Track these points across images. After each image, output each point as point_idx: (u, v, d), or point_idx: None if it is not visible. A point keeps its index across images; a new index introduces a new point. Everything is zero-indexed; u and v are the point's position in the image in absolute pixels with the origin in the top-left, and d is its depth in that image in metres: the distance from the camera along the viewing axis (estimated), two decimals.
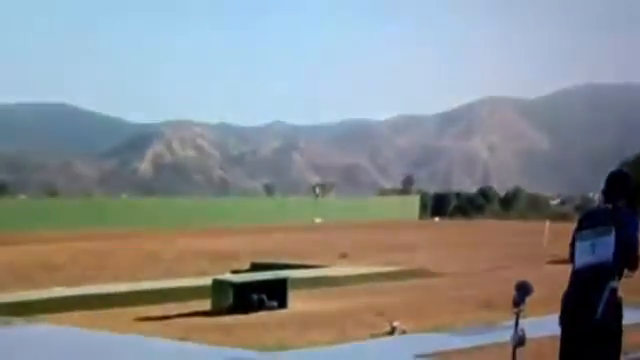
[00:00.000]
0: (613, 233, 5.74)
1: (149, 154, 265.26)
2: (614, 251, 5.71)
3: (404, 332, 11.28)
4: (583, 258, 5.85)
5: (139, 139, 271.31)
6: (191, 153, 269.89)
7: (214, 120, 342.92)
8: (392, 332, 11.27)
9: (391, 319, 11.79)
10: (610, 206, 5.92)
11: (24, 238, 33.04)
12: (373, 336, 11.11)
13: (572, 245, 6.01)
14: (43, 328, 12.55)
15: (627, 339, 6.00)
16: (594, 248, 5.78)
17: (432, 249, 29.54)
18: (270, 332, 11.52)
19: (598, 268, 5.73)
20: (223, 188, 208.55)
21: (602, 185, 6.13)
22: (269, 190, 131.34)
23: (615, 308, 5.72)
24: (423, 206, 70.76)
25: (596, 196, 73.06)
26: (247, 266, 22.36)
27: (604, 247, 5.73)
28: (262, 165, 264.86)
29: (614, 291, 5.72)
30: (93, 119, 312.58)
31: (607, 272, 5.71)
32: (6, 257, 24.75)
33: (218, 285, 14.32)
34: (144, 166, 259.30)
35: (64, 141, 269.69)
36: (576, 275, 5.90)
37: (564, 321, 5.89)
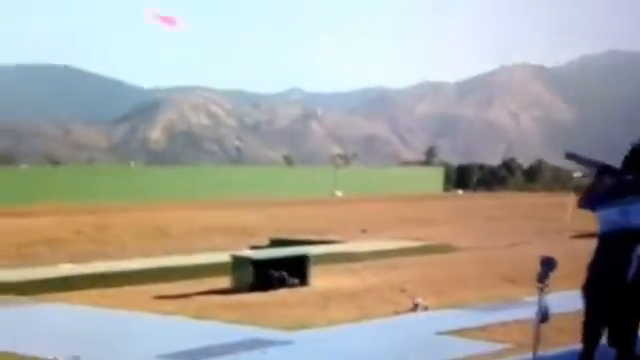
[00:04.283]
0: None
1: (160, 122, 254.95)
2: None
3: (426, 309, 11.16)
4: (610, 223, 5.74)
5: (149, 105, 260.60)
6: (205, 121, 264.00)
7: (228, 86, 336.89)
8: (414, 309, 11.15)
9: (413, 295, 11.67)
10: (631, 177, 5.80)
11: (26, 211, 32.18)
12: (395, 313, 10.99)
13: (590, 191, 5.90)
14: (55, 308, 12.17)
15: None
16: (623, 212, 5.68)
17: (456, 223, 29.29)
18: (291, 310, 11.41)
19: (627, 231, 5.63)
20: (238, 158, 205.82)
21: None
22: (288, 161, 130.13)
23: None
24: (446, 178, 70.56)
25: None
26: (265, 241, 22.11)
27: (634, 212, 5.63)
28: (279, 134, 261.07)
29: None
30: (99, 83, 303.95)
31: (636, 236, 5.61)
32: (7, 231, 23.84)
33: (237, 262, 14.14)
34: (156, 134, 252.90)
35: (68, 106, 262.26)
36: (603, 240, 5.81)
37: (590, 291, 5.80)
